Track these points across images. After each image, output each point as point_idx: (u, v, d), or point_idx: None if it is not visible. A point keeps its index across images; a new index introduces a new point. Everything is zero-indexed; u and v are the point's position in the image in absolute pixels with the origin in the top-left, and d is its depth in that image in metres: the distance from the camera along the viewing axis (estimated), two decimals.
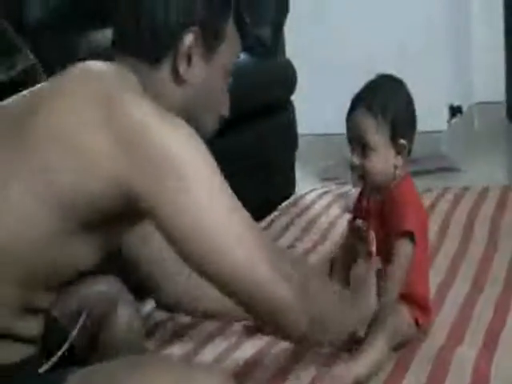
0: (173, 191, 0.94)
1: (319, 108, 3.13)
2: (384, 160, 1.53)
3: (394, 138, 1.52)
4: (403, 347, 1.51)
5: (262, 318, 1.09)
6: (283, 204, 2.62)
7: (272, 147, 2.52)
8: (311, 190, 2.79)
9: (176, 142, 0.95)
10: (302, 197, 2.73)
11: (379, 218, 1.56)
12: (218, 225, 0.96)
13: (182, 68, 1.04)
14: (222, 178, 1.00)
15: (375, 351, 1.44)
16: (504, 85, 3.84)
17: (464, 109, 3.62)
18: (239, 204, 1.00)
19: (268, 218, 2.50)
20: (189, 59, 1.04)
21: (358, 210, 1.64)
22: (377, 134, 1.52)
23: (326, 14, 3.46)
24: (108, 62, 1.03)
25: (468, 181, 2.86)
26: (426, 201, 2.55)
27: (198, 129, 1.02)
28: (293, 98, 2.65)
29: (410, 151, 1.56)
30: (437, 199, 2.58)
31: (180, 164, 0.94)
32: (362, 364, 1.41)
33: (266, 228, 2.41)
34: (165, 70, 1.04)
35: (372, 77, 1.59)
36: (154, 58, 1.04)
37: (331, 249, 2.15)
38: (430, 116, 3.35)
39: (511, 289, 1.79)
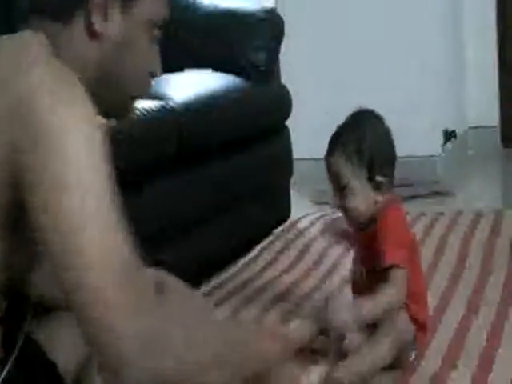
0: (50, 175, 0.88)
1: (314, 132, 3.16)
2: (363, 200, 1.56)
3: (371, 178, 1.55)
4: (399, 367, 1.52)
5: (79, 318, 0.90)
6: (278, 229, 2.63)
7: (267, 172, 2.54)
8: (306, 215, 2.80)
9: (60, 120, 0.89)
10: (297, 221, 2.74)
11: (367, 248, 1.59)
12: (81, 218, 0.88)
13: (97, 22, 0.99)
14: (108, 178, 0.92)
15: (379, 348, 1.45)
16: (498, 109, 3.87)
17: (458, 133, 3.64)
18: (118, 213, 0.94)
19: (263, 243, 2.51)
20: (105, 13, 0.99)
21: (347, 237, 1.67)
22: (353, 178, 1.55)
23: (321, 39, 3.49)
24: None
25: (462, 205, 2.88)
26: (421, 225, 2.57)
27: (125, 86, 1.01)
28: (288, 122, 2.67)
29: (392, 183, 1.59)
30: (431, 223, 2.60)
31: (59, 145, 0.88)
32: (364, 360, 1.44)
33: (261, 252, 2.42)
34: (79, 27, 0.99)
35: (365, 106, 1.61)
36: (66, 15, 0.99)
37: (325, 275, 2.16)
38: (425, 141, 3.39)
39: (505, 312, 1.80)
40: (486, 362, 1.55)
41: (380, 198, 1.56)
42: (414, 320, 1.55)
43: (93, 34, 0.99)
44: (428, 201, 3.03)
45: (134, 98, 1.09)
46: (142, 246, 1.91)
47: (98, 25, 0.99)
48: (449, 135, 3.51)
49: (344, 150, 1.56)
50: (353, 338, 1.47)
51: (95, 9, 0.98)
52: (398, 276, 1.49)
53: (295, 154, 2.74)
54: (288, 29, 2.59)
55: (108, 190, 0.91)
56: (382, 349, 1.46)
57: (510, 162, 3.66)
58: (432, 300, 1.88)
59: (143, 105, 1.92)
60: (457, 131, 3.60)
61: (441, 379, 1.48)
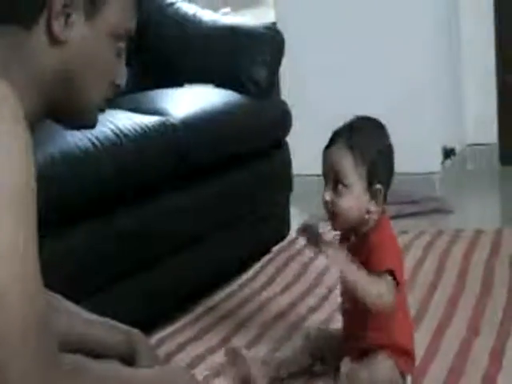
0: None
1: (315, 148, 3.14)
2: (357, 201, 1.48)
3: (370, 182, 1.49)
4: None
5: None
6: (277, 246, 2.61)
7: (267, 188, 2.53)
8: None
9: None
10: (296, 238, 2.72)
11: (358, 260, 1.49)
12: None
13: (57, 27, 0.97)
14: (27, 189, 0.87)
15: None
16: (496, 127, 3.86)
17: (457, 151, 3.63)
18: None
19: (262, 261, 2.49)
20: (66, 19, 0.98)
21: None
22: (353, 172, 1.48)
23: (320, 55, 3.48)
24: None
25: (461, 223, 2.87)
26: (420, 243, 2.56)
27: (85, 96, 0.99)
28: (288, 138, 2.66)
29: (385, 197, 1.52)
30: (430, 242, 2.58)
31: None
32: None
33: (259, 271, 2.40)
34: (39, 32, 0.98)
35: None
36: (28, 19, 0.97)
37: (326, 292, 2.13)
38: (424, 158, 3.38)
39: (506, 332, 1.79)
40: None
41: (373, 208, 1.49)
42: (395, 348, 1.50)
43: (53, 39, 0.98)
44: (427, 218, 3.01)
45: (100, 109, 1.07)
46: (139, 263, 1.90)
47: (58, 30, 0.97)
48: (448, 152, 3.50)
49: (347, 143, 1.49)
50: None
51: (56, 14, 0.97)
52: (390, 283, 1.44)
53: (295, 170, 2.72)
54: (288, 44, 2.58)
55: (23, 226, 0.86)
56: None
57: (507, 180, 3.65)
58: (432, 321, 1.87)
59: (142, 120, 1.91)
60: (456, 148, 3.60)
61: None
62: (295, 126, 2.62)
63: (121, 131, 1.82)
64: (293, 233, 2.74)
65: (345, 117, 1.57)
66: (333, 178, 1.50)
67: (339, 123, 1.57)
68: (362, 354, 1.51)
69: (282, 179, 2.62)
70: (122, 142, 1.81)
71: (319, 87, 3.44)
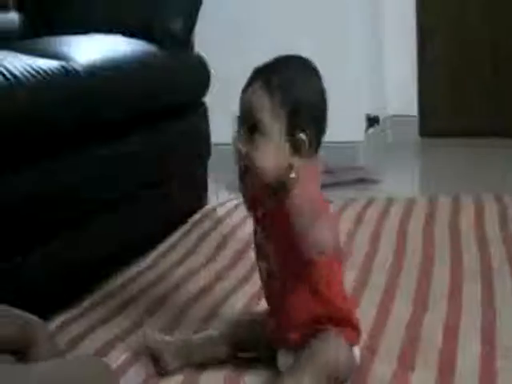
0: None
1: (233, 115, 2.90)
2: (275, 151, 1.22)
3: (291, 129, 1.22)
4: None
5: None
6: (195, 217, 2.36)
7: (181, 154, 2.26)
8: (224, 202, 2.54)
9: None
10: (213, 209, 2.47)
11: (279, 228, 1.25)
12: None
13: None
14: None
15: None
16: (416, 101, 3.75)
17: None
18: None
19: (178, 232, 2.23)
20: None
21: (252, 210, 1.34)
22: (270, 116, 1.22)
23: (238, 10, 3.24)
24: None
25: (388, 193, 2.69)
26: (350, 214, 2.36)
27: None
28: (207, 104, 2.40)
29: (315, 151, 1.25)
30: (363, 210, 2.39)
31: None
32: None
33: (175, 243, 2.14)
34: None
35: None
36: None
37: (249, 268, 1.89)
38: (348, 126, 3.19)
39: (458, 306, 1.60)
40: (447, 363, 1.34)
41: (296, 163, 1.23)
42: (339, 318, 1.28)
43: None
44: (351, 188, 2.83)
45: None
46: (41, 232, 1.61)
47: None
48: (372, 121, 3.33)
49: (266, 83, 1.23)
50: None
51: None
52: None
53: (212, 139, 2.47)
54: None
55: None
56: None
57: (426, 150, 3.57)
58: (375, 294, 1.67)
59: (39, 63, 1.61)
60: (379, 117, 3.44)
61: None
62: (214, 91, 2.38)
63: (11, 74, 1.51)
64: (210, 203, 2.50)
65: None
66: (247, 122, 1.24)
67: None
68: (303, 339, 1.28)
69: (198, 143, 2.36)
70: (13, 87, 1.50)
71: (236, 46, 3.18)
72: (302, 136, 1.23)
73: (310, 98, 1.25)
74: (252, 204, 1.34)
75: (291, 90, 1.24)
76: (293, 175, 1.23)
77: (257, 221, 1.33)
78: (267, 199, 1.28)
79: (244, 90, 1.26)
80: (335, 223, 1.24)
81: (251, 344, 1.39)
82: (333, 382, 1.24)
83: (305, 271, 1.25)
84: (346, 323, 1.29)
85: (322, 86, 1.28)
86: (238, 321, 1.44)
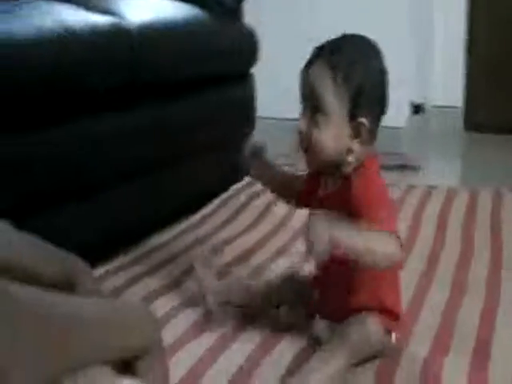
0: None
1: (278, 91, 2.88)
2: (336, 132, 1.20)
3: (353, 113, 1.20)
4: (377, 359, 1.25)
5: None
6: (236, 185, 2.35)
7: (225, 124, 2.24)
8: None
9: None
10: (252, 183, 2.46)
11: (340, 211, 1.18)
12: None
13: None
14: None
15: (330, 368, 1.16)
16: (462, 92, 3.69)
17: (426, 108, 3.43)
18: None
19: (219, 198, 2.24)
20: None
21: (307, 197, 1.33)
22: (333, 97, 1.19)
23: None
24: None
25: (430, 180, 2.65)
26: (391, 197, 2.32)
27: None
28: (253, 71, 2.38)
29: (374, 137, 1.23)
30: (403, 196, 2.36)
31: None
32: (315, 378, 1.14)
33: (218, 208, 2.14)
34: None
35: None
36: None
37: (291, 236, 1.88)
38: (391, 111, 3.14)
39: (495, 292, 1.56)
40: (482, 347, 1.31)
41: (356, 147, 1.21)
42: (383, 309, 1.27)
43: None
44: (392, 173, 2.79)
45: None
46: (78, 191, 1.61)
47: None
48: (416, 109, 3.28)
49: (329, 63, 1.20)
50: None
51: None
52: (393, 236, 1.14)
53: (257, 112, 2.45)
54: None
55: None
56: (336, 363, 1.17)
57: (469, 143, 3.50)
58: (413, 279, 1.64)
59: (92, 18, 1.60)
60: (425, 105, 3.39)
61: (433, 370, 1.22)
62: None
63: (66, 25, 1.51)
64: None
65: None
66: (310, 102, 1.21)
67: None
68: (344, 316, 1.26)
69: (243, 115, 2.34)
70: (68, 38, 1.50)
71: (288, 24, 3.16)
72: (363, 120, 1.20)
73: (372, 80, 1.23)
74: (309, 188, 1.33)
75: (355, 71, 1.21)
76: (351, 159, 1.22)
77: (317, 200, 1.30)
78: (330, 180, 1.27)
79: (305, 69, 1.24)
80: (395, 223, 1.20)
81: (289, 301, 1.40)
82: (362, 361, 1.23)
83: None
84: (389, 314, 1.28)
85: (385, 68, 1.25)
86: (282, 276, 1.45)
